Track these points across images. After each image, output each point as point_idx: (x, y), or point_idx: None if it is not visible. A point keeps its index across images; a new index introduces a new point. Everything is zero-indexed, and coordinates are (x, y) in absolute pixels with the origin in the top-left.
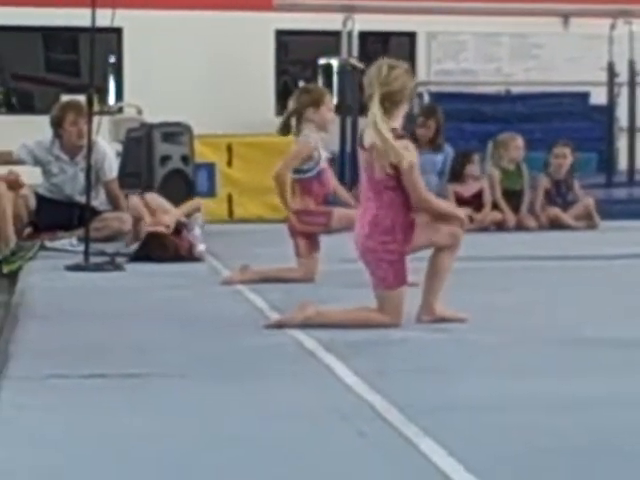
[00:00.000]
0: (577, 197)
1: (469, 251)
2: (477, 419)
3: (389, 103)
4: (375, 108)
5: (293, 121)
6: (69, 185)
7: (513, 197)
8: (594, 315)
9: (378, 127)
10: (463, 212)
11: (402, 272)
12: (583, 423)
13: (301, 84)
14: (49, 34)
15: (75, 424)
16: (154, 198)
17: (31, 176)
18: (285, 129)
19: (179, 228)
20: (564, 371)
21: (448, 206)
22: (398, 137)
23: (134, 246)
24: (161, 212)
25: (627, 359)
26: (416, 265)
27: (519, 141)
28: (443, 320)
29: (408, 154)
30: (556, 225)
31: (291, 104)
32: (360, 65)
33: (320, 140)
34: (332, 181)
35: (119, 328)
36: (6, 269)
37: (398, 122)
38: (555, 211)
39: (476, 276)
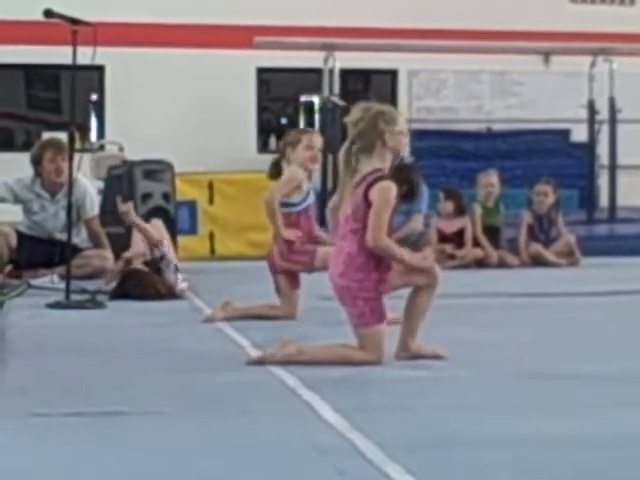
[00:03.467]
0: (561, 233)
1: (450, 288)
2: (458, 456)
3: (362, 145)
4: (345, 146)
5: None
6: (50, 223)
7: (493, 233)
8: (576, 351)
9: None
10: (430, 259)
11: (379, 309)
12: (566, 460)
13: (282, 121)
14: (31, 71)
15: (53, 464)
16: (157, 224)
17: (12, 214)
18: (275, 173)
19: (160, 267)
20: (546, 407)
21: (414, 257)
22: (380, 178)
23: (113, 284)
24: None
25: (610, 395)
26: (397, 303)
27: (491, 178)
28: (421, 357)
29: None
30: (538, 262)
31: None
32: (341, 103)
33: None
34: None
35: (100, 366)
36: None
37: (383, 163)
38: (537, 248)
39: (457, 313)
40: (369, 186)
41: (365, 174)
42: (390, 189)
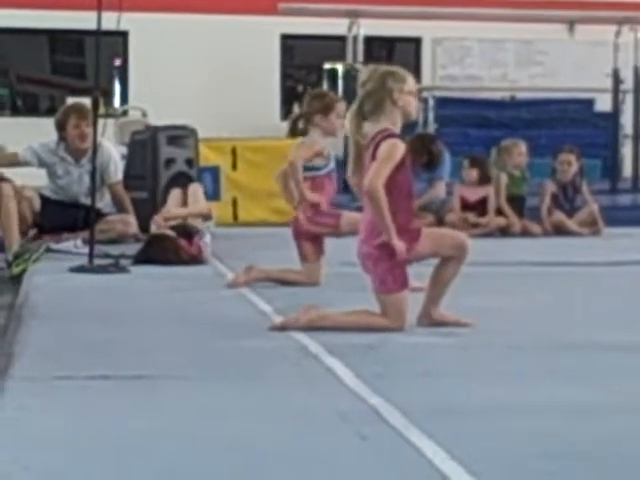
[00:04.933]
0: (586, 200)
1: (473, 256)
2: (480, 423)
3: (371, 105)
4: (354, 108)
5: (300, 124)
6: (74, 187)
7: (517, 202)
8: (598, 320)
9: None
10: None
11: (401, 276)
12: (588, 428)
13: (309, 89)
14: (55, 37)
15: (79, 426)
16: (195, 191)
17: (36, 178)
18: (295, 131)
19: (191, 233)
20: (569, 376)
21: (396, 240)
22: (387, 136)
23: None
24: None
25: (633, 364)
26: (423, 270)
27: (522, 147)
28: (443, 324)
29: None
30: (560, 231)
31: (302, 108)
32: None
33: (329, 145)
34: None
35: (123, 330)
36: (14, 270)
37: (393, 125)
38: (559, 217)
39: (480, 281)
40: (377, 146)
41: (373, 135)
42: (397, 146)
